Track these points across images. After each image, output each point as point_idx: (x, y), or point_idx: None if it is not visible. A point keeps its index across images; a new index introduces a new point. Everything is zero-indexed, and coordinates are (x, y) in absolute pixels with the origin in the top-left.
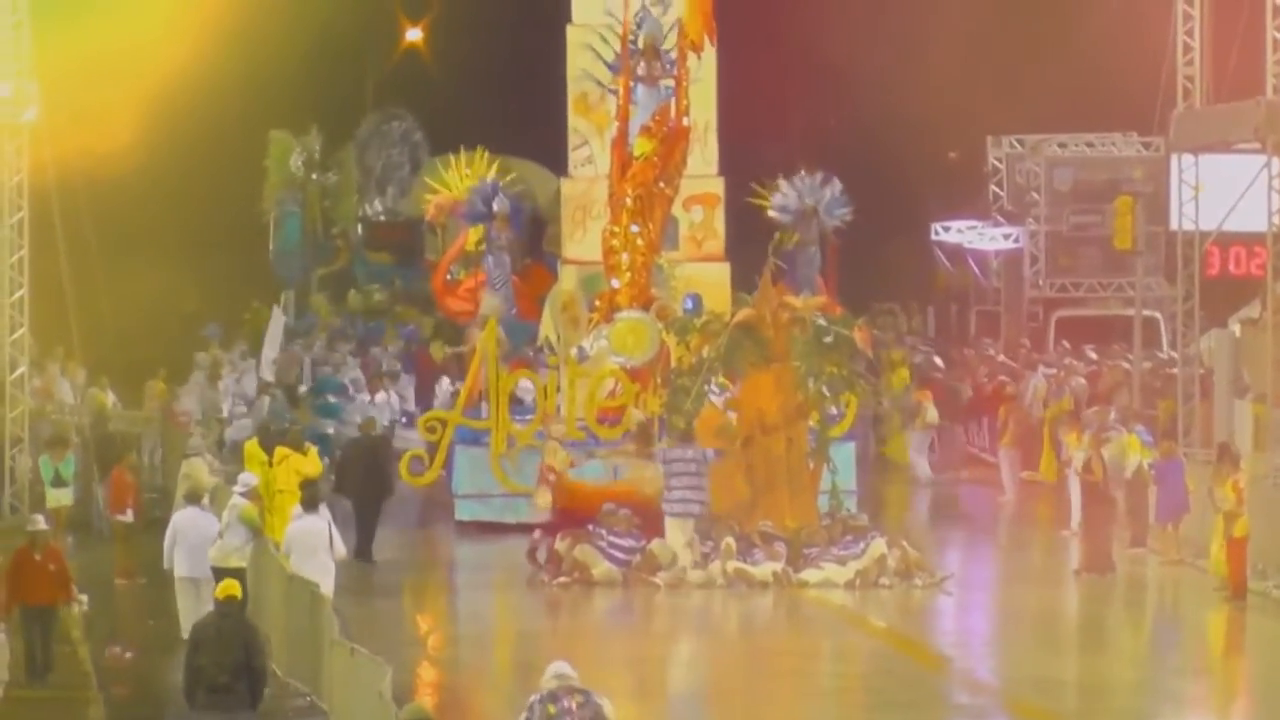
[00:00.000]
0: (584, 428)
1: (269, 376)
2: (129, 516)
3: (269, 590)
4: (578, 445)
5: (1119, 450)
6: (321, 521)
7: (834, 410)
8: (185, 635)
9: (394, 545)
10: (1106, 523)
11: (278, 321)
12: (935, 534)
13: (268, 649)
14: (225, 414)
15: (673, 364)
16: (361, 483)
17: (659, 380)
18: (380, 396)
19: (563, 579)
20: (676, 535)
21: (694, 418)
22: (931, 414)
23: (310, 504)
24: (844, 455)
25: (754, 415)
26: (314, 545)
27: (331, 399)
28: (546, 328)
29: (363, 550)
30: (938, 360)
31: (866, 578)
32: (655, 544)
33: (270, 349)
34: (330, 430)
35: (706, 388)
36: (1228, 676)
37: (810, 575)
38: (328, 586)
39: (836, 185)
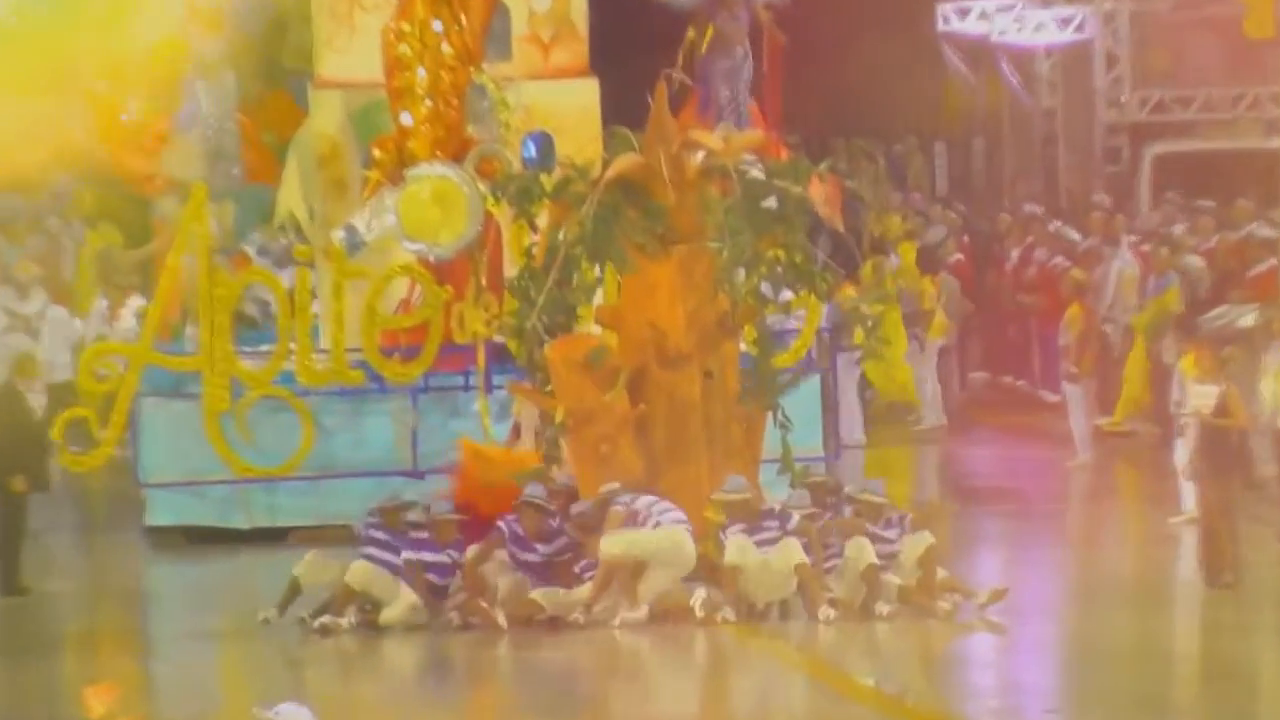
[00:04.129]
0: (361, 364)
1: None
2: None
3: None
4: (349, 394)
5: (1256, 379)
6: None
7: (783, 323)
8: None
9: (41, 570)
10: (1231, 498)
11: None
12: (964, 524)
13: None
14: None
15: (506, 252)
16: None
17: (483, 280)
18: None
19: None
20: None
21: (542, 342)
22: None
23: None
24: (803, 398)
25: (646, 335)
26: None
27: None
28: (290, 197)
29: (6, 577)
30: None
31: (848, 600)
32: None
33: None
34: None
35: (563, 291)
36: None
37: (738, 552)
38: None
39: None
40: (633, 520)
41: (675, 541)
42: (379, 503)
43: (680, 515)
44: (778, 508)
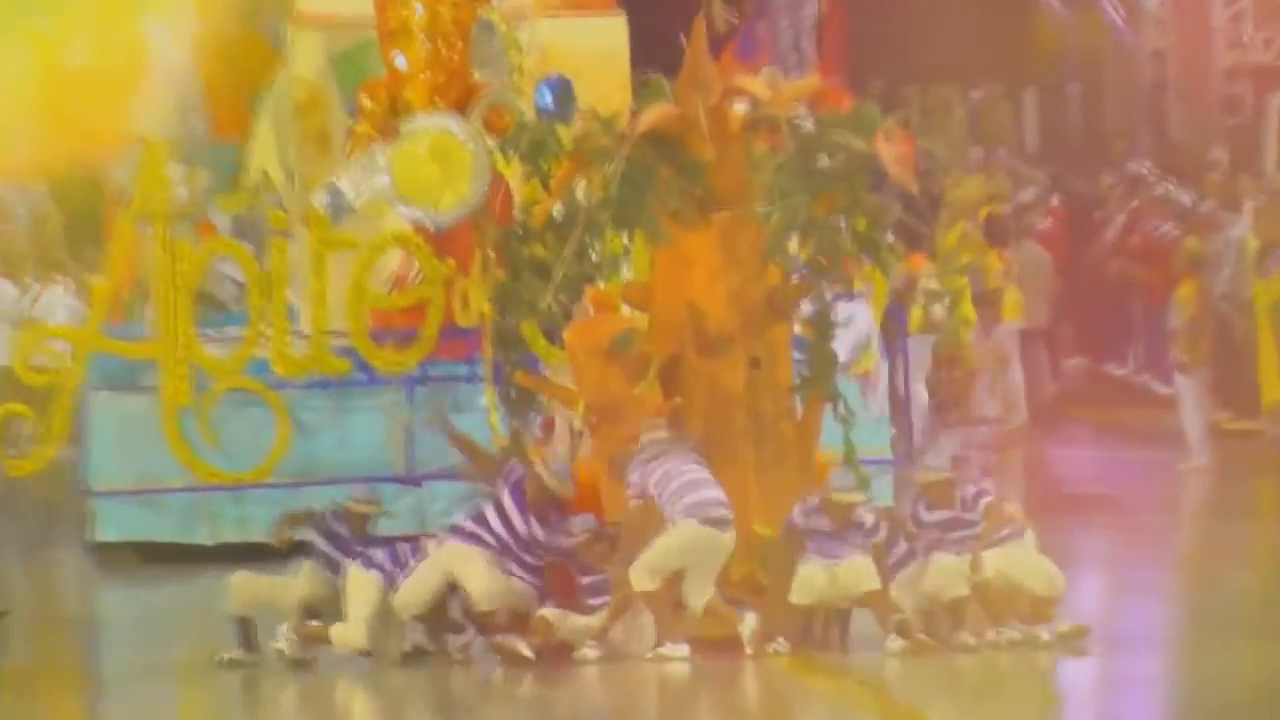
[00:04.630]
0: (347, 351)
1: None
2: None
3: None
4: (332, 387)
5: None
6: None
7: (842, 302)
8: None
9: None
10: None
11: None
12: (1056, 539)
13: None
14: None
15: (517, 215)
16: None
17: (491, 252)
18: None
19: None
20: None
21: (562, 322)
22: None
23: None
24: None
25: (682, 317)
26: None
27: None
28: (264, 156)
29: None
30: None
31: (932, 625)
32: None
33: None
34: None
35: (587, 266)
36: None
37: (808, 586)
38: None
39: None
40: (651, 500)
41: (693, 539)
42: (346, 500)
43: (698, 497)
44: (869, 520)
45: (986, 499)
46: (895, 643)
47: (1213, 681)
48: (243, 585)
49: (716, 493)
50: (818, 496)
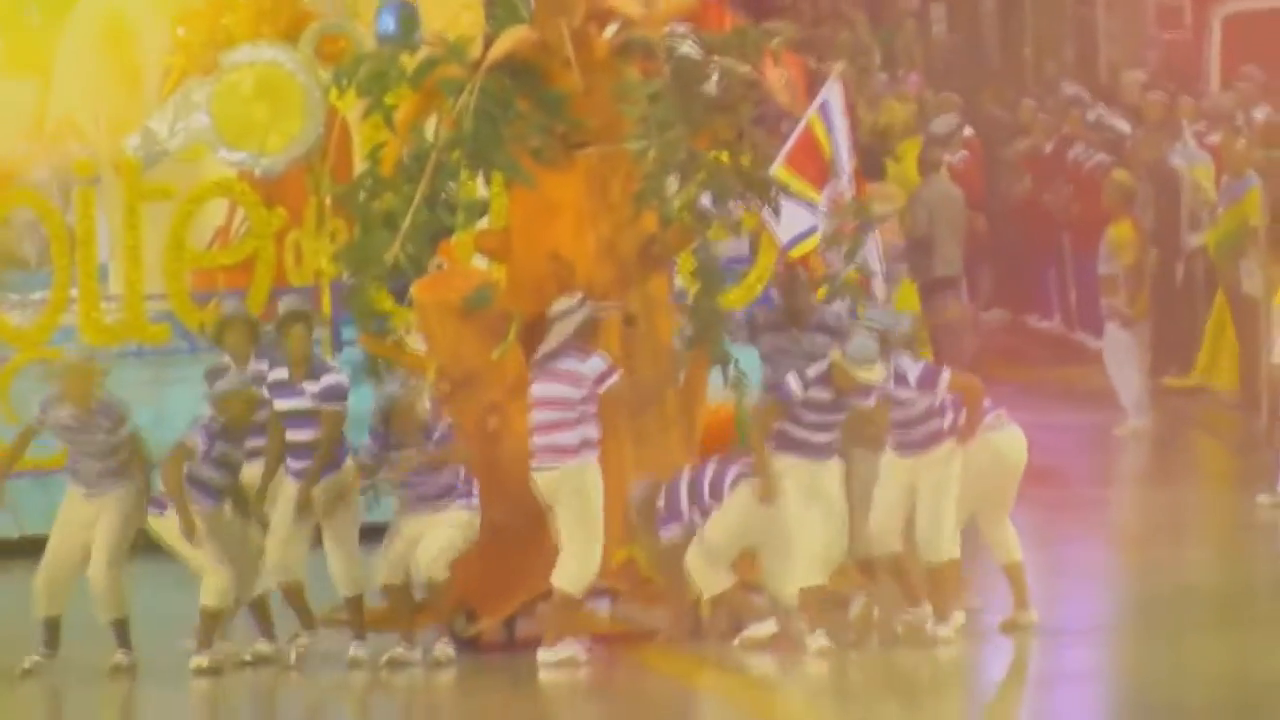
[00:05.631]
0: (165, 316)
1: None
2: None
3: None
4: (149, 356)
5: None
6: None
7: (725, 249)
8: None
9: None
10: None
11: None
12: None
13: None
14: None
15: (364, 164)
16: None
17: (327, 200)
18: None
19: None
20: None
21: (412, 277)
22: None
23: None
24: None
25: (546, 270)
26: None
27: None
28: (67, 93)
29: None
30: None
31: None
32: None
33: None
34: None
35: (440, 212)
36: None
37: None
38: None
39: None
40: None
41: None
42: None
43: (536, 442)
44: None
45: (945, 373)
46: (818, 640)
47: (1160, 677)
48: (44, 585)
49: (560, 436)
50: (826, 364)
